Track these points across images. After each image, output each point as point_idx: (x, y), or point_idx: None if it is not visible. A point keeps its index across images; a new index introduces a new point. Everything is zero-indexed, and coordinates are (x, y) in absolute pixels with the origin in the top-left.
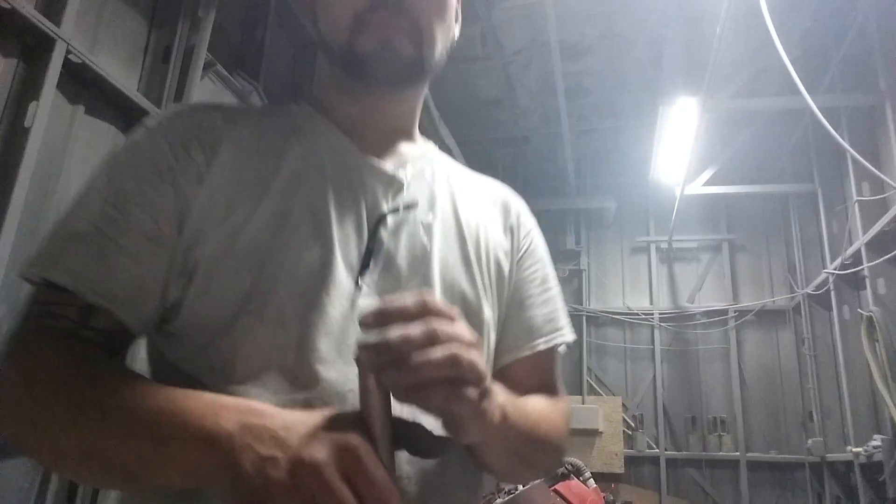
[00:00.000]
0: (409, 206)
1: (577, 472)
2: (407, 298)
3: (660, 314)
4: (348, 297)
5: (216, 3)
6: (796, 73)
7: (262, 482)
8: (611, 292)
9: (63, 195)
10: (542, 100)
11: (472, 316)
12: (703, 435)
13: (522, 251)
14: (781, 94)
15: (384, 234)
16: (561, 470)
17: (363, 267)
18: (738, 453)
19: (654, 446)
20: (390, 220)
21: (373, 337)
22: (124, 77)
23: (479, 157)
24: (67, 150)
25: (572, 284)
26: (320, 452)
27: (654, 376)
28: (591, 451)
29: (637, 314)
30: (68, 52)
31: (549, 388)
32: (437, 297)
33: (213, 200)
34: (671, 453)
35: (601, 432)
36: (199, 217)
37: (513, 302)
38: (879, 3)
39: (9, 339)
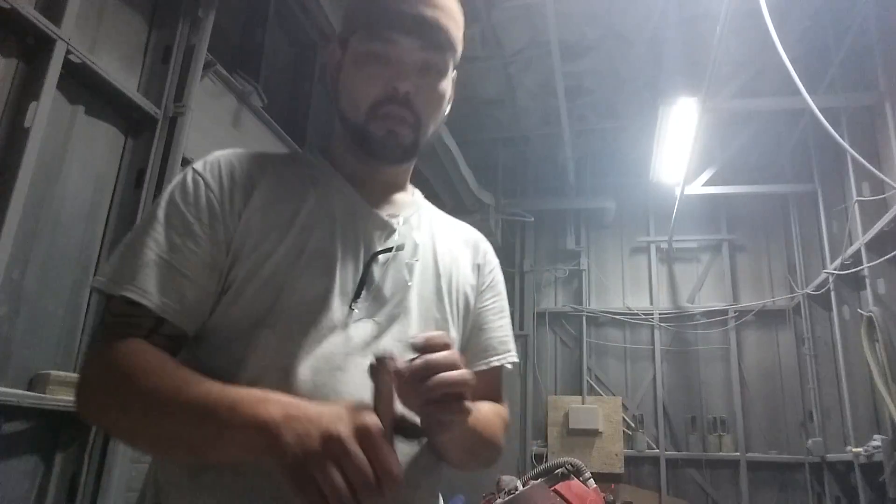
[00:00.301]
0: (398, 248)
1: (577, 473)
2: (436, 335)
3: (660, 314)
4: (340, 319)
5: (216, 4)
6: (796, 73)
7: (300, 451)
8: (611, 292)
9: (63, 195)
10: (543, 100)
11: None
12: (703, 435)
13: (486, 285)
14: (781, 94)
15: (375, 269)
16: (561, 470)
17: (356, 295)
18: (738, 453)
19: (654, 446)
20: (381, 258)
21: (392, 354)
22: (124, 77)
23: (479, 157)
24: (67, 150)
25: (572, 285)
26: (344, 429)
27: (654, 376)
28: (591, 452)
29: (637, 314)
30: (68, 52)
31: (495, 396)
32: (429, 327)
33: (248, 233)
34: (671, 453)
35: (601, 432)
36: (237, 246)
37: (475, 326)
38: (879, 3)
39: (94, 342)
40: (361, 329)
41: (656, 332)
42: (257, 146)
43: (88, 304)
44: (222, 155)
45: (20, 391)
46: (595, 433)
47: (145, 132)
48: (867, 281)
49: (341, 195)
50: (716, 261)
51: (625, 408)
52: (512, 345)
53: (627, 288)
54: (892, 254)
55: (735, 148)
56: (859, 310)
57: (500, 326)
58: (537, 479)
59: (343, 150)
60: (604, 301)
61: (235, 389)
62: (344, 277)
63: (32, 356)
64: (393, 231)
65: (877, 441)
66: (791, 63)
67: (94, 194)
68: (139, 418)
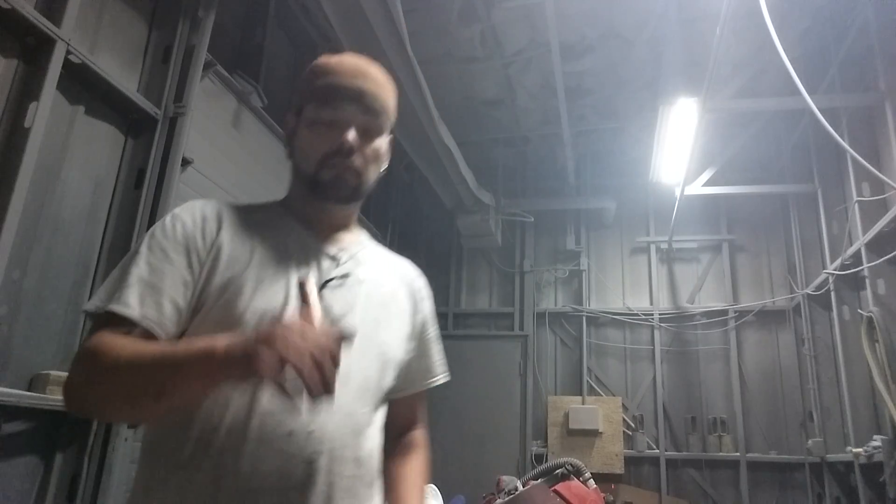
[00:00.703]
0: (344, 276)
1: (577, 473)
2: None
3: (660, 314)
4: None
5: (216, 4)
6: (796, 73)
7: (251, 351)
8: (611, 293)
9: (63, 195)
10: (542, 100)
11: (382, 354)
12: (703, 435)
13: (421, 315)
14: (781, 94)
15: (326, 293)
16: (561, 470)
17: None
18: (738, 454)
19: (654, 447)
20: (331, 284)
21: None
22: (124, 77)
23: (478, 157)
24: (67, 150)
25: (572, 285)
26: (272, 333)
27: (654, 377)
28: (591, 452)
29: (637, 314)
30: (68, 52)
31: (419, 416)
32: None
33: (218, 260)
34: (671, 454)
35: (601, 433)
36: (208, 271)
37: (418, 353)
38: (879, 3)
39: (74, 362)
40: None
41: (656, 333)
42: (257, 146)
43: None
44: (197, 202)
45: (20, 391)
46: (595, 433)
47: (145, 132)
48: (867, 281)
49: (294, 234)
50: (716, 261)
51: (625, 408)
52: (445, 365)
53: (627, 288)
54: (892, 254)
55: (735, 148)
56: (859, 310)
57: (437, 351)
58: (537, 480)
59: (296, 198)
60: (604, 301)
61: (192, 340)
62: (299, 300)
63: (32, 356)
64: (339, 262)
65: (877, 441)
66: (791, 63)
67: (94, 194)
68: (109, 382)
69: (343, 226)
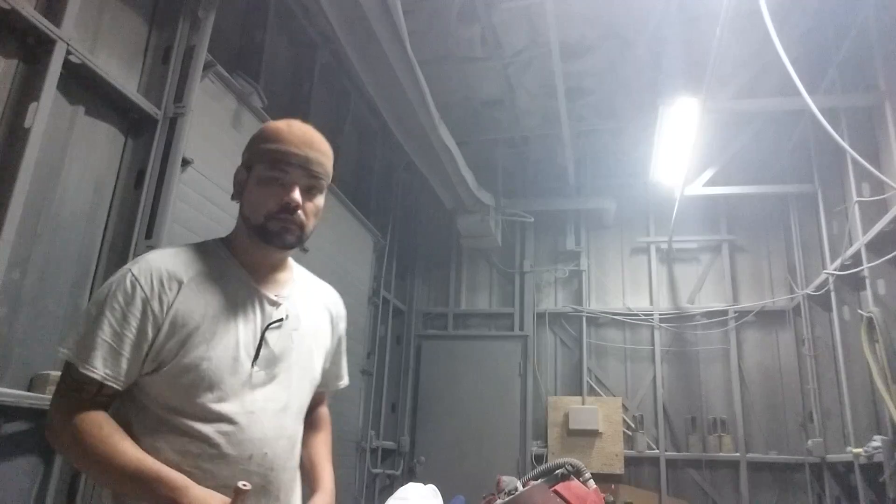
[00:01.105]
0: (282, 320)
1: (577, 473)
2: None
3: (660, 315)
4: (246, 373)
5: (216, 4)
6: (796, 73)
7: None
8: (611, 293)
9: (63, 195)
10: (542, 100)
11: (312, 377)
12: (703, 435)
13: (338, 334)
14: (781, 94)
15: (269, 335)
16: (561, 471)
17: (256, 355)
18: (738, 454)
19: (654, 447)
20: (272, 326)
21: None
22: (124, 78)
23: (478, 157)
24: (67, 150)
25: (572, 285)
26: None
27: (654, 377)
28: (591, 452)
29: (637, 315)
30: (68, 52)
31: (322, 402)
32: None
33: (173, 324)
34: (671, 454)
35: (601, 433)
36: (166, 333)
37: (332, 362)
38: (879, 3)
39: (55, 403)
40: (261, 378)
41: (656, 333)
42: None
43: None
44: (154, 261)
45: (20, 392)
46: (595, 434)
47: (145, 133)
48: (867, 281)
49: (241, 282)
50: (716, 261)
51: (625, 408)
52: (347, 371)
53: (627, 288)
54: (892, 254)
55: (735, 148)
56: (859, 310)
57: (345, 361)
58: (537, 480)
59: (242, 241)
60: (604, 301)
61: (147, 465)
62: (246, 345)
63: (32, 357)
64: (278, 305)
65: (877, 442)
66: (791, 63)
67: (94, 195)
68: (86, 468)
69: (280, 267)
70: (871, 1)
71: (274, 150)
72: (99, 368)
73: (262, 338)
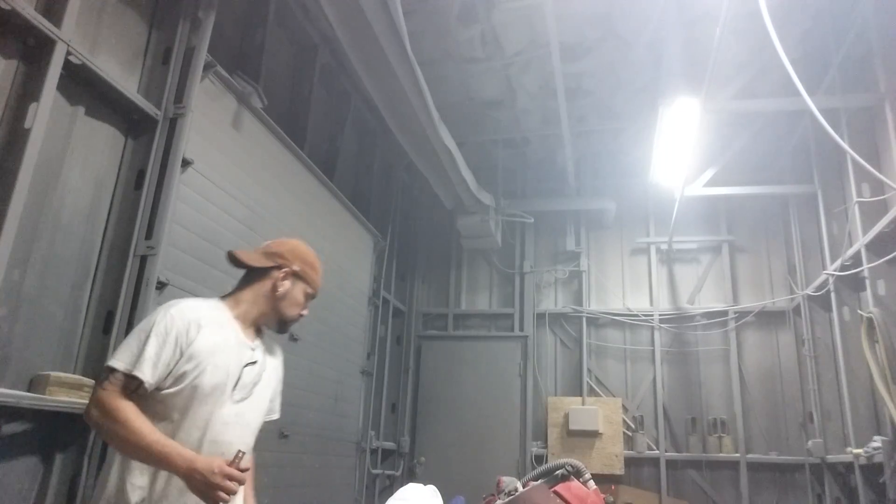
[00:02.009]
0: (254, 362)
1: (577, 474)
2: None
3: (660, 315)
4: (229, 395)
5: (216, 5)
6: (796, 74)
7: (189, 474)
8: (611, 293)
9: (63, 195)
10: (542, 101)
11: (266, 405)
12: (703, 436)
13: (281, 376)
14: (781, 95)
15: (245, 370)
16: (561, 471)
17: (236, 384)
18: (738, 454)
19: (655, 447)
20: (249, 365)
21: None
22: (124, 78)
23: (478, 158)
24: (67, 151)
25: (572, 286)
26: (209, 466)
27: (654, 377)
28: (591, 453)
29: (637, 315)
30: (68, 53)
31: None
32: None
33: (192, 354)
34: (671, 454)
35: (601, 433)
36: (187, 358)
37: (270, 401)
38: (879, 4)
39: (104, 392)
40: (238, 397)
41: (656, 334)
42: (257, 147)
43: (88, 306)
44: (187, 309)
45: (20, 392)
46: (595, 434)
47: (145, 133)
48: (867, 282)
49: (234, 332)
50: (716, 262)
51: (625, 409)
52: (280, 406)
53: (627, 289)
54: (892, 255)
55: (735, 149)
56: (859, 311)
57: (279, 397)
58: (537, 481)
59: (250, 307)
60: (604, 302)
61: (166, 444)
62: (231, 375)
63: (32, 357)
64: (255, 351)
65: (877, 442)
66: (791, 64)
67: (94, 195)
68: (118, 444)
69: (261, 329)
70: (871, 1)
71: (315, 282)
72: (148, 376)
73: (242, 372)
